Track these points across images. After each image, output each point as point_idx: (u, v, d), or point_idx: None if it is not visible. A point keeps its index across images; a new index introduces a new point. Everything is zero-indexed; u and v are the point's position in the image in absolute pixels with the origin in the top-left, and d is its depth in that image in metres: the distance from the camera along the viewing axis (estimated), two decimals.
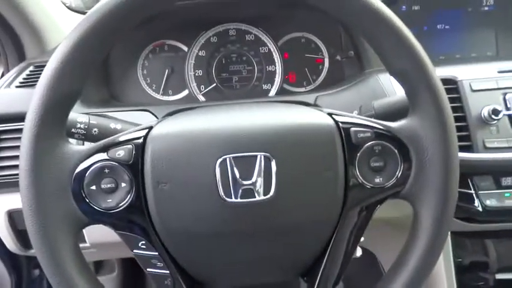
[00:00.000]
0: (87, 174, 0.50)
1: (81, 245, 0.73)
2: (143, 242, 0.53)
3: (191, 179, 0.50)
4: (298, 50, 0.97)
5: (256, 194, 0.50)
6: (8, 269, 1.21)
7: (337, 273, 0.56)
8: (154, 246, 0.53)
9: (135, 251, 0.53)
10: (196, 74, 0.96)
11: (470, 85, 0.77)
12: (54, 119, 0.48)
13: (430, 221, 0.51)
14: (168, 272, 0.55)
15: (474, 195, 0.78)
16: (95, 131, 0.60)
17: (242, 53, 0.97)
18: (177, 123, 0.55)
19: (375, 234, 0.95)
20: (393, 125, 0.53)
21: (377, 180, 0.53)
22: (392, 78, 0.78)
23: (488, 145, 0.75)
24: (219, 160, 0.49)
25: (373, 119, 0.54)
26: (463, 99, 0.76)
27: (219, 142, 0.50)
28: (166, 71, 0.95)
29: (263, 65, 0.97)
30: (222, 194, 0.50)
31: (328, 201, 0.52)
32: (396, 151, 0.53)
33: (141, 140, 0.52)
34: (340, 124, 0.53)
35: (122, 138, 0.52)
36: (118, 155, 0.51)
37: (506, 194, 0.77)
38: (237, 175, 0.49)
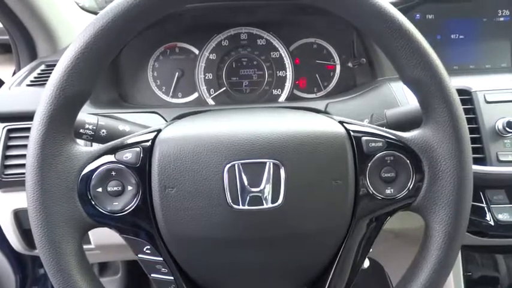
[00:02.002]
0: (93, 176, 0.50)
1: (85, 247, 0.72)
2: (148, 247, 0.52)
3: (198, 184, 0.49)
4: (309, 56, 0.96)
5: (264, 202, 0.49)
6: (13, 268, 1.21)
7: (345, 285, 0.55)
8: (159, 252, 0.52)
9: (139, 255, 0.53)
10: (206, 77, 0.96)
11: (484, 96, 0.76)
12: (62, 118, 0.48)
13: (441, 236, 0.50)
14: (172, 278, 0.54)
15: (486, 208, 0.76)
16: (103, 132, 0.60)
17: (253, 57, 0.96)
18: (186, 127, 0.54)
19: (383, 245, 0.94)
20: (406, 135, 0.52)
21: (388, 191, 0.52)
22: (405, 87, 0.78)
23: (501, 158, 0.73)
24: (227, 166, 0.49)
25: (385, 129, 0.53)
26: (477, 110, 0.75)
27: (227, 147, 0.49)
28: (177, 73, 0.95)
29: (274, 70, 0.96)
30: (230, 200, 0.49)
31: (338, 211, 0.51)
32: (408, 162, 0.51)
33: (149, 143, 0.51)
34: (352, 133, 0.52)
35: (129, 141, 0.52)
36: (125, 157, 0.50)
37: None
38: (245, 182, 0.49)
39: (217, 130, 0.51)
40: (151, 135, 0.52)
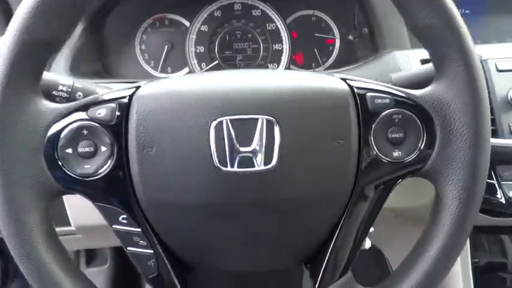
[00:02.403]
0: (62, 135, 0.44)
1: (65, 229, 0.66)
2: (124, 216, 0.46)
3: (181, 144, 0.43)
4: (307, 29, 0.90)
5: (255, 163, 0.43)
6: None
7: (346, 261, 0.49)
8: (136, 221, 0.46)
9: (114, 226, 0.47)
10: (198, 51, 0.90)
11: (495, 64, 0.70)
12: (26, 66, 0.42)
13: (456, 203, 0.44)
14: (151, 251, 0.48)
15: (497, 185, 0.71)
16: (79, 96, 0.53)
17: (247, 29, 0.91)
18: (169, 82, 0.48)
19: (383, 226, 0.88)
20: (416, 92, 0.46)
21: (395, 154, 0.46)
22: (410, 55, 0.73)
23: None
24: (214, 122, 0.43)
25: (392, 86, 0.47)
26: (488, 79, 0.70)
27: (214, 102, 0.43)
28: (166, 46, 0.90)
29: (269, 43, 0.91)
30: (217, 161, 0.43)
31: (339, 175, 0.45)
32: (418, 121, 0.46)
33: (126, 100, 0.45)
34: (355, 89, 0.46)
35: (104, 97, 0.46)
36: (99, 114, 0.44)
37: None
38: (235, 140, 0.43)
39: (202, 84, 0.45)
40: (129, 92, 0.46)
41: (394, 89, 0.47)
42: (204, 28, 0.89)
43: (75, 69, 0.76)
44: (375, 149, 0.46)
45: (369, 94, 0.46)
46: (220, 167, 0.43)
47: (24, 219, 0.42)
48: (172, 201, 0.45)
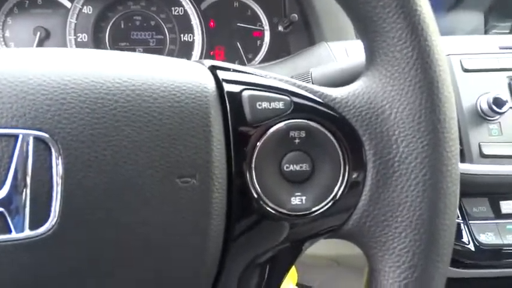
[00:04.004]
0: None
1: None
2: None
3: None
4: (229, 18, 0.73)
5: (12, 226, 0.21)
6: None
7: None
8: None
9: None
10: (79, 39, 0.69)
11: (461, 63, 0.53)
12: None
13: None
14: None
15: (463, 225, 0.53)
16: None
17: (149, 15, 0.71)
18: None
19: (324, 275, 0.69)
20: (333, 92, 0.26)
21: (295, 201, 0.25)
22: (348, 47, 0.54)
23: (486, 151, 0.50)
24: None
25: (292, 79, 0.27)
26: (451, 81, 0.51)
27: None
28: (38, 33, 0.70)
29: (177, 33, 0.70)
30: None
31: (190, 244, 0.24)
32: (335, 143, 0.25)
33: None
34: (225, 84, 0.26)
35: None
36: None
37: (509, 227, 0.53)
38: None
39: None
40: None
41: (294, 84, 0.26)
42: (88, 10, 0.68)
43: None
44: (259, 191, 0.25)
45: (246, 93, 0.25)
46: None
47: None
48: None
